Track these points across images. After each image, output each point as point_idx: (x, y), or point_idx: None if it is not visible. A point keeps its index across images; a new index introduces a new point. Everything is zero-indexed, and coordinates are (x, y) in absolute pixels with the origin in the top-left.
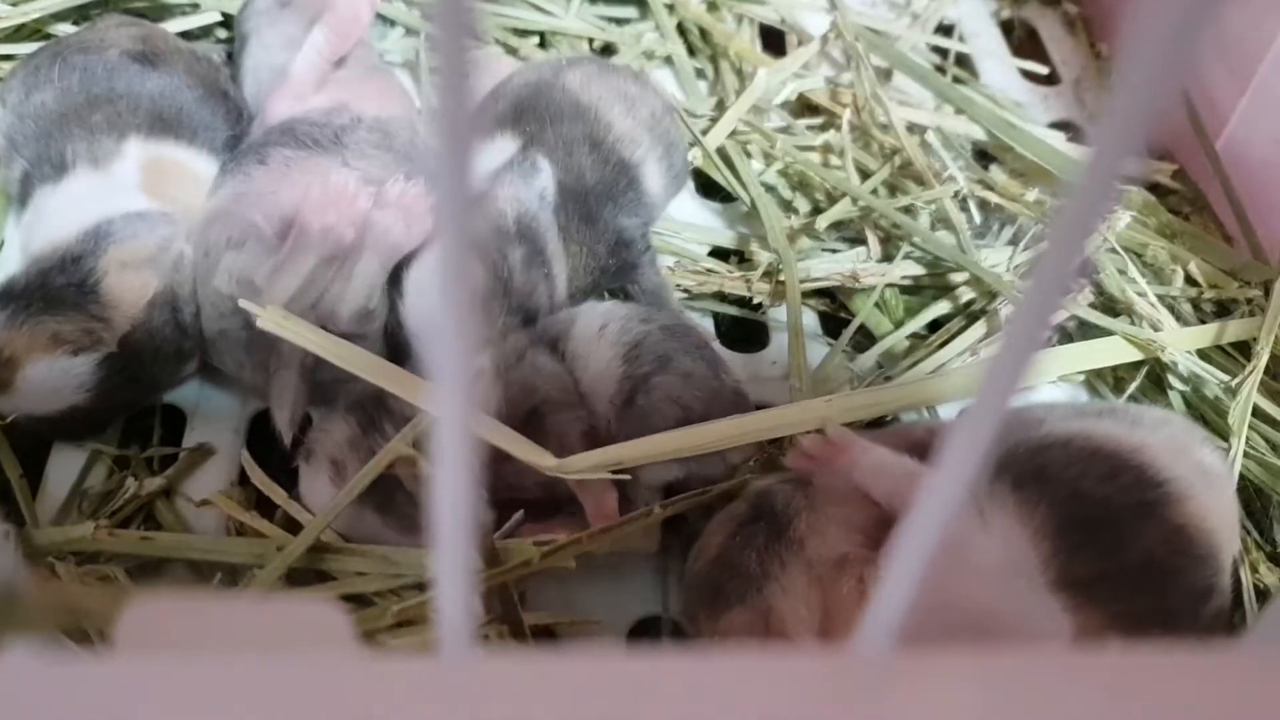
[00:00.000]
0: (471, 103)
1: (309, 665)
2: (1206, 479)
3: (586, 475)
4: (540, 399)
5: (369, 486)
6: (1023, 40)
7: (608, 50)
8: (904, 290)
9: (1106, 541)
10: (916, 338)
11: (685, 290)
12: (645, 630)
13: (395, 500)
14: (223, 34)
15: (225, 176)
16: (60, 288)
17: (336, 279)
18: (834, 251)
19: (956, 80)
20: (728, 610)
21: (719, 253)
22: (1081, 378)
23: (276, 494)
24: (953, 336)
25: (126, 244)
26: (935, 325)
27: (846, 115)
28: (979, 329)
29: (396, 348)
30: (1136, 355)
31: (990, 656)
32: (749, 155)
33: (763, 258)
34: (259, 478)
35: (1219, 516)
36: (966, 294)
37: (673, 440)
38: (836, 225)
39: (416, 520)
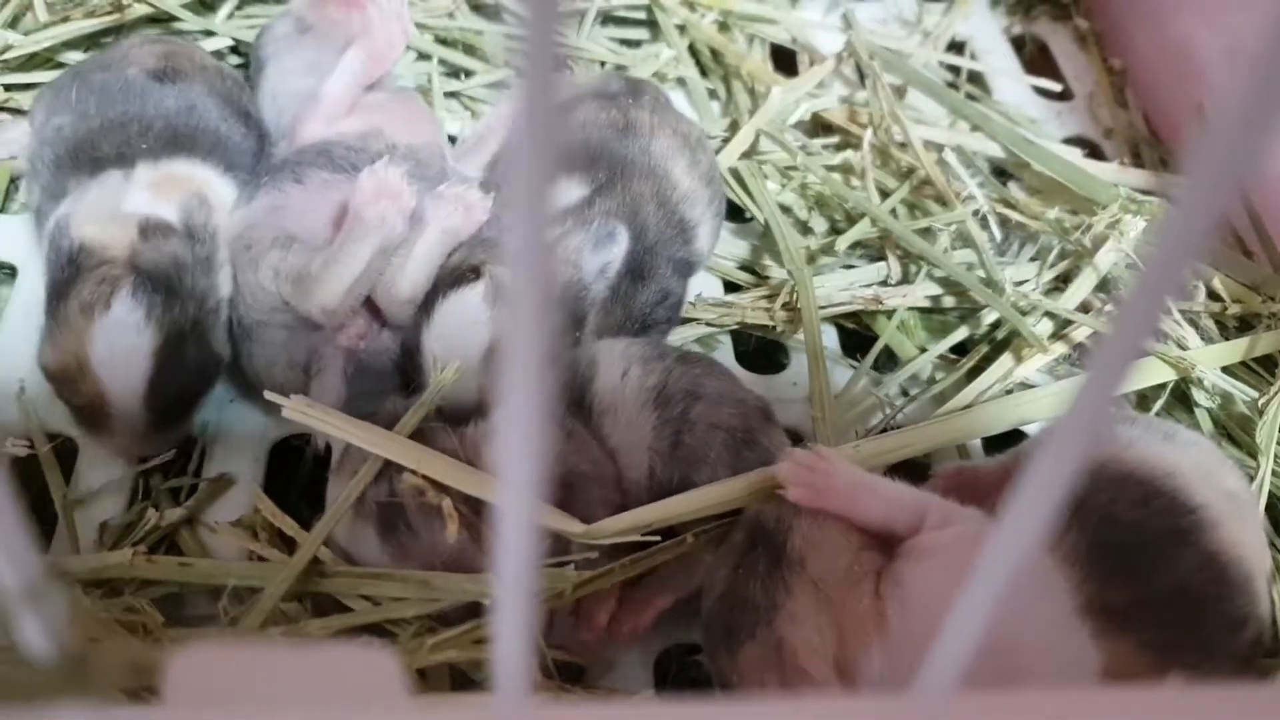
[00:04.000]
0: (557, 141)
1: (362, 717)
2: (1235, 505)
3: (616, 539)
4: (569, 468)
5: (376, 509)
6: (1034, 56)
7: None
8: (926, 311)
9: (1139, 567)
10: (941, 359)
11: (708, 325)
12: (672, 659)
13: (397, 528)
14: (235, 60)
15: (258, 191)
16: (66, 279)
17: (398, 255)
18: (849, 268)
19: (970, 98)
20: (741, 647)
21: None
22: None
23: (286, 524)
24: (980, 362)
25: (83, 209)
26: (960, 346)
27: (868, 136)
28: (1007, 360)
29: (405, 366)
30: (1170, 375)
31: (1054, 698)
32: (765, 176)
33: (779, 277)
34: (269, 508)
35: (1249, 544)
36: (991, 314)
37: (701, 497)
38: (855, 244)
39: (411, 552)
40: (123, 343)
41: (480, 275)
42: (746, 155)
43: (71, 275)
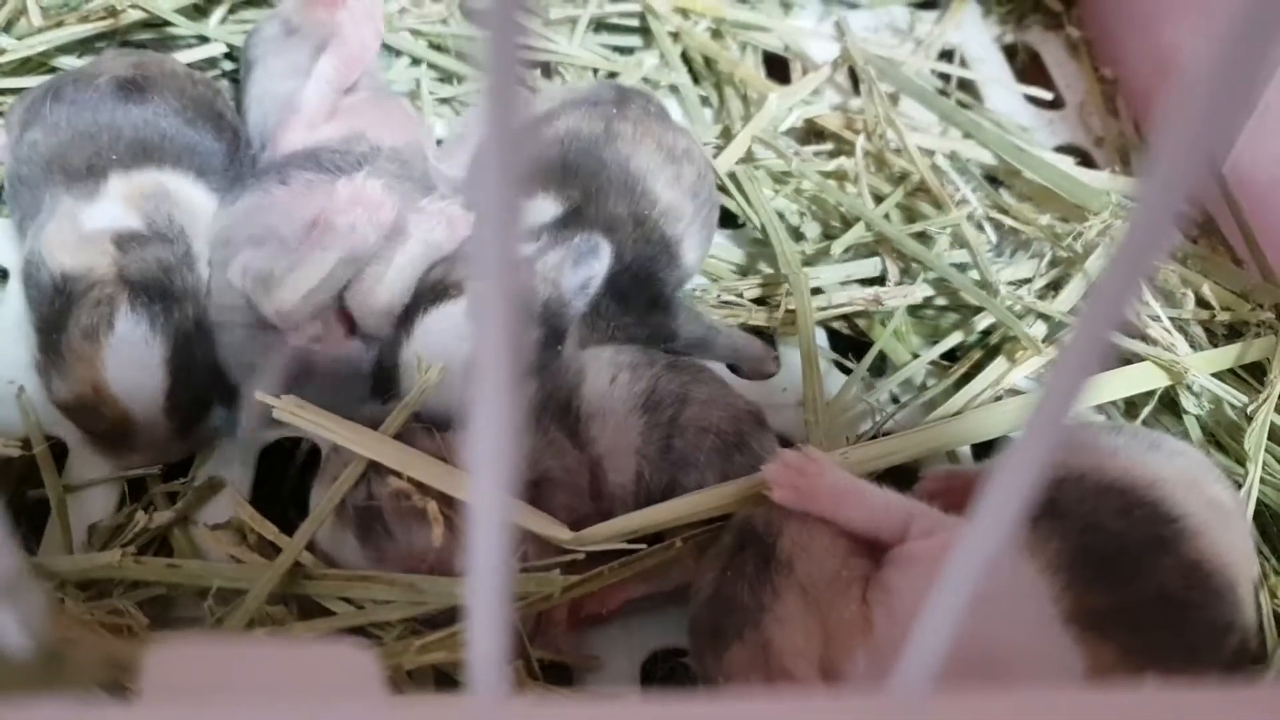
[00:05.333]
0: (522, 150)
1: (338, 712)
2: (1219, 514)
3: (602, 547)
4: (542, 472)
5: (354, 513)
6: (1026, 65)
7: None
8: (919, 313)
9: (1121, 575)
10: (933, 364)
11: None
12: (659, 663)
13: (374, 530)
14: (228, 65)
15: (243, 192)
16: (59, 310)
17: (377, 264)
18: (845, 279)
19: (962, 106)
20: (728, 648)
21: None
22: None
23: (267, 529)
24: (973, 368)
25: (50, 239)
26: (953, 353)
27: (860, 141)
28: (1000, 365)
29: (381, 379)
30: (1164, 380)
31: (1027, 697)
32: (756, 181)
33: (772, 282)
34: (248, 513)
35: (1234, 551)
36: (984, 320)
37: (688, 504)
38: (849, 250)
39: (388, 554)
40: (135, 358)
41: (462, 291)
42: (742, 161)
43: (64, 306)
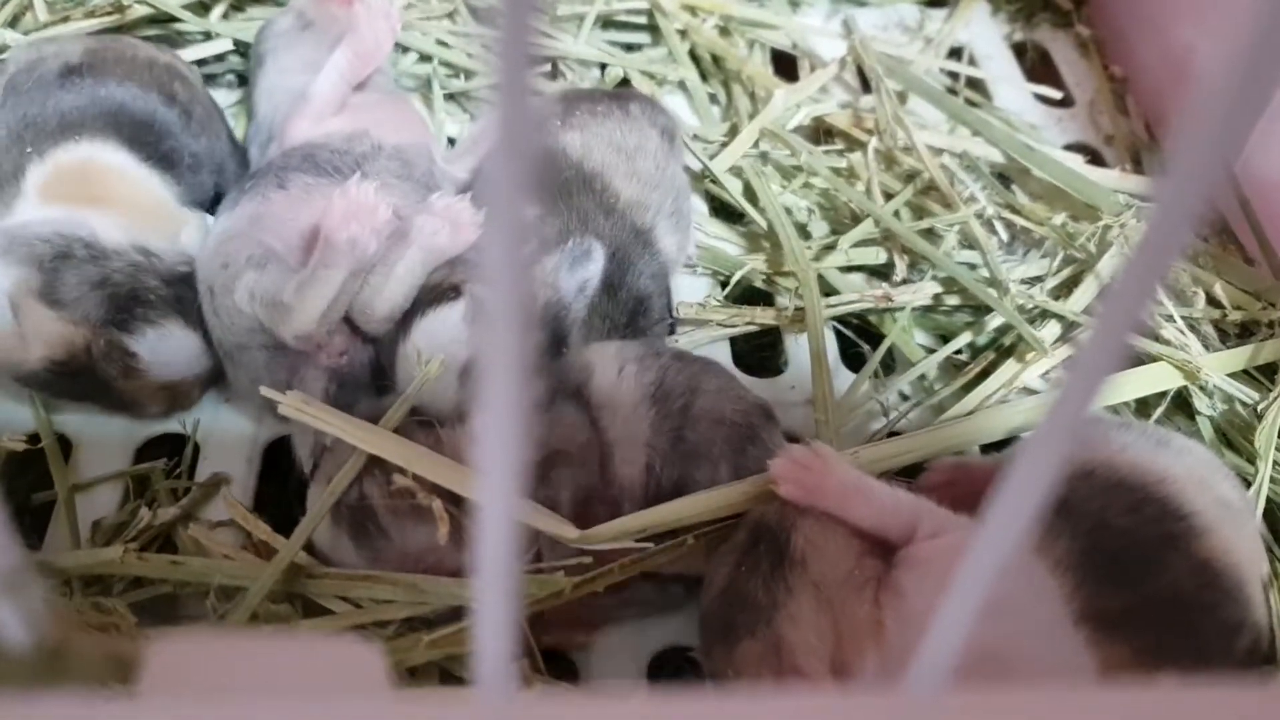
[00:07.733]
0: (534, 147)
1: (344, 708)
2: (1228, 512)
3: (610, 546)
4: (550, 451)
5: (347, 512)
6: (1035, 63)
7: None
8: (930, 312)
9: (1130, 573)
10: (946, 363)
11: (719, 325)
12: (666, 661)
13: (367, 530)
14: (236, 60)
15: (240, 196)
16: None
17: (378, 274)
18: (851, 269)
19: (971, 104)
20: (739, 644)
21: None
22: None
23: (260, 529)
24: (989, 366)
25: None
26: (965, 352)
27: (873, 142)
28: (1011, 366)
29: (377, 380)
30: (1179, 381)
31: (1041, 696)
32: (764, 176)
33: (784, 279)
34: (241, 514)
35: (1243, 550)
36: (996, 320)
37: (697, 504)
38: (857, 246)
39: (383, 553)
40: None
41: (460, 294)
42: (749, 154)
43: None
